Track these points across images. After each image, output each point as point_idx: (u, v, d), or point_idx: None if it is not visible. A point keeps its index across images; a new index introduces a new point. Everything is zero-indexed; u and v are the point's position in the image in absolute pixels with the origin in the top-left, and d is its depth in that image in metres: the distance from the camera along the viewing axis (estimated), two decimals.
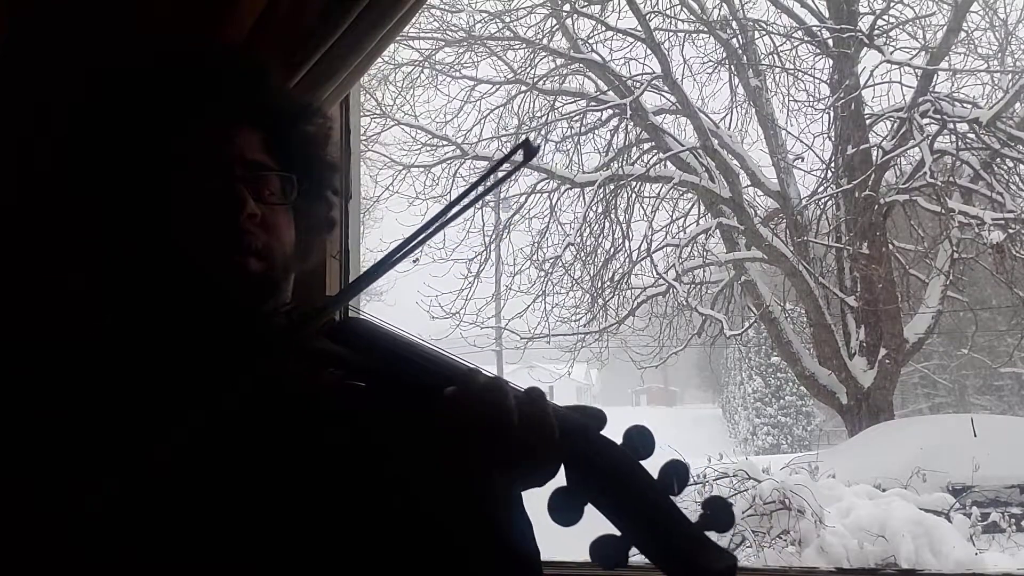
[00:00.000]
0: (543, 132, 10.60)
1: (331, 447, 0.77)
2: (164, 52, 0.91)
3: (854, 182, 9.79)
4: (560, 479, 0.73)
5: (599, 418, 0.75)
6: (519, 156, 0.77)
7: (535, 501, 0.77)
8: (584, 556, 0.71)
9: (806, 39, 10.53)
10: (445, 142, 10.56)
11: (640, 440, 0.72)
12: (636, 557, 0.68)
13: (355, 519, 0.75)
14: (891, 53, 10.12)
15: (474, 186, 0.84)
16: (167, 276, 0.82)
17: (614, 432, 0.75)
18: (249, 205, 0.81)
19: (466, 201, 0.81)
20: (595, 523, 0.71)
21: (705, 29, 10.48)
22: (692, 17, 10.46)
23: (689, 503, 0.78)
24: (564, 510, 0.70)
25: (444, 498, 0.74)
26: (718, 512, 0.67)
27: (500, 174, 0.81)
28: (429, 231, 0.77)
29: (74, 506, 0.71)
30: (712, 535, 0.68)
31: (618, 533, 0.69)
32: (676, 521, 0.67)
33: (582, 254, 10.50)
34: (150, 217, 0.82)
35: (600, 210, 10.40)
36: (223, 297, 0.82)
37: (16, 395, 0.78)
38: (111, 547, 0.71)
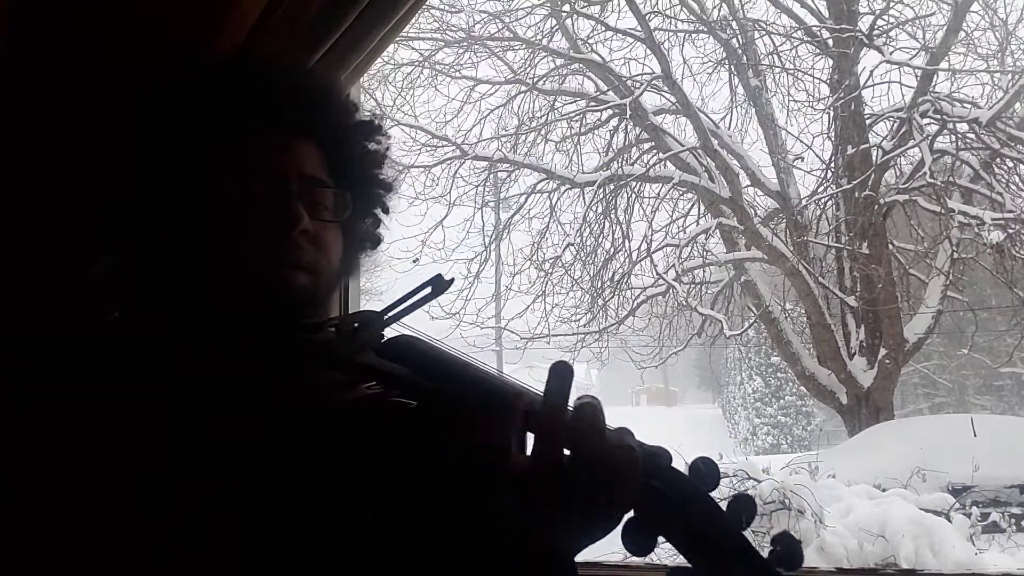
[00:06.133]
0: (543, 132, 10.62)
1: (365, 464, 0.75)
2: (231, 64, 0.93)
3: (854, 182, 9.78)
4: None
5: (664, 453, 0.72)
6: (429, 289, 0.79)
7: None
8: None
9: (806, 39, 10.54)
10: (445, 142, 10.56)
11: (707, 471, 0.70)
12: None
13: (385, 540, 0.73)
14: (891, 53, 10.12)
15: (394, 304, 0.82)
16: (209, 283, 0.82)
17: None
18: (304, 221, 0.81)
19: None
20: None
21: (705, 29, 10.48)
22: (692, 17, 10.47)
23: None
24: (638, 542, 0.69)
25: (491, 530, 0.71)
26: (788, 549, 0.66)
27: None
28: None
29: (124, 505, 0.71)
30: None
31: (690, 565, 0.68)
32: (750, 557, 0.66)
33: (582, 254, 10.50)
34: (199, 221, 0.82)
35: (600, 210, 10.41)
36: (264, 308, 0.81)
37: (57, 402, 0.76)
38: (130, 547, 0.70)
